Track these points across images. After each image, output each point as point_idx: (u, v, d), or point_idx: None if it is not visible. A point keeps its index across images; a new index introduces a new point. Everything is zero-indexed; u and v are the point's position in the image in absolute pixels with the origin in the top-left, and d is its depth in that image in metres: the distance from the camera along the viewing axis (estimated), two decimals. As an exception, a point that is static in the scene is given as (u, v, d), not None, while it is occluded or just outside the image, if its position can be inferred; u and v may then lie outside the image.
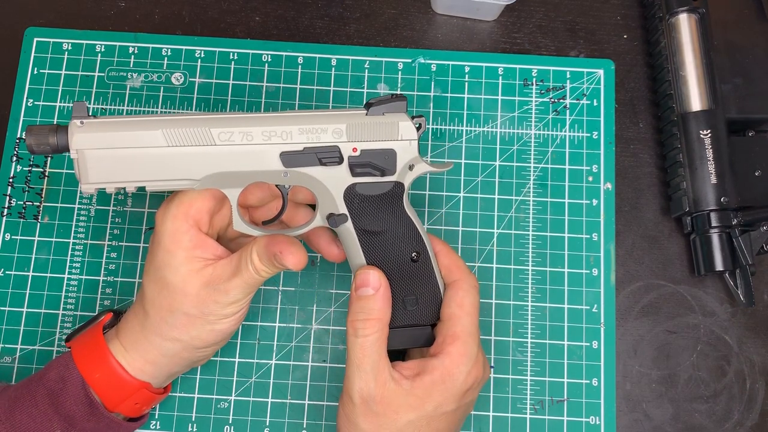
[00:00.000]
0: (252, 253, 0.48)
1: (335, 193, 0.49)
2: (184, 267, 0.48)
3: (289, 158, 0.48)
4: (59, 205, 0.62)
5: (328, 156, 0.48)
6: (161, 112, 0.64)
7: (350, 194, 0.49)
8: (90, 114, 0.47)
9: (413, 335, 0.50)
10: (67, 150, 0.46)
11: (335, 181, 0.48)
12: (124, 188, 0.47)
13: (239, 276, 0.48)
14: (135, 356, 0.50)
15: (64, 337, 0.59)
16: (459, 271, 0.51)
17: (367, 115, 0.48)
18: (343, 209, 0.49)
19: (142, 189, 0.48)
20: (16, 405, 0.49)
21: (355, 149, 0.48)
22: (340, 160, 0.48)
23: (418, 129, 0.49)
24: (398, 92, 0.49)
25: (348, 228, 0.49)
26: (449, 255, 0.51)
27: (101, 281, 0.61)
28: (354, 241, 0.49)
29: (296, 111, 0.49)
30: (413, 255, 0.50)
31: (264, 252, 0.48)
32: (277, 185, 0.50)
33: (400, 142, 0.48)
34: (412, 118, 0.49)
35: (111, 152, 0.46)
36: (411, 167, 0.49)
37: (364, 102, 0.64)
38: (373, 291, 0.48)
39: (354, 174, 0.48)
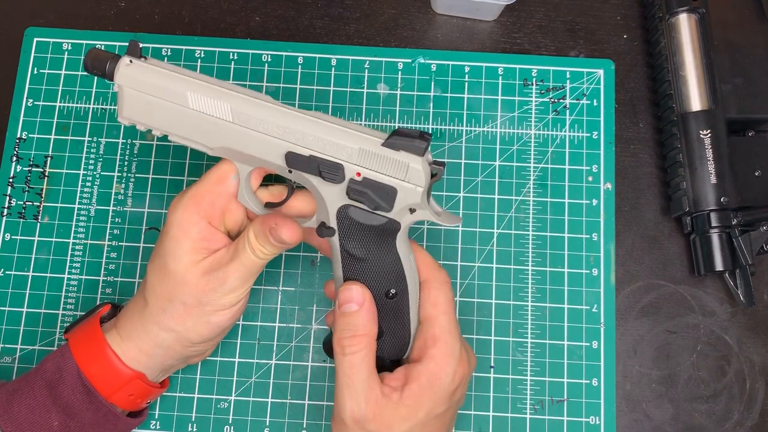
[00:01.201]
0: (249, 232, 0.49)
1: (330, 207, 0.48)
2: (188, 257, 0.49)
3: (293, 159, 0.48)
4: (59, 205, 0.62)
5: (329, 172, 0.47)
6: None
7: (342, 214, 0.48)
8: (142, 55, 0.49)
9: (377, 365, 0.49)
10: (113, 80, 0.49)
11: (331, 196, 0.48)
12: (151, 130, 0.50)
13: (237, 260, 0.49)
14: (130, 346, 0.50)
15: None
16: (427, 270, 0.50)
17: (382, 144, 0.47)
18: (333, 224, 0.48)
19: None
20: (14, 397, 0.49)
21: (358, 174, 0.47)
22: (341, 180, 0.47)
23: (433, 176, 0.47)
24: (427, 132, 0.47)
25: (334, 243, 0.48)
26: (417, 255, 0.50)
27: (101, 281, 0.61)
28: (337, 257, 0.49)
29: (325, 116, 0.48)
30: (390, 291, 0.48)
31: (260, 228, 0.48)
32: (284, 177, 0.50)
33: (405, 184, 0.47)
34: (433, 162, 0.48)
35: (145, 96, 0.48)
36: (412, 211, 0.47)
37: (364, 104, 0.65)
38: (357, 306, 0.47)
39: (349, 197, 0.47)
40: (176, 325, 0.49)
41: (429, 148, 0.47)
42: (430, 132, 0.48)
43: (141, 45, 0.50)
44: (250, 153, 0.48)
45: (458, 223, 0.50)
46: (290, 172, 0.48)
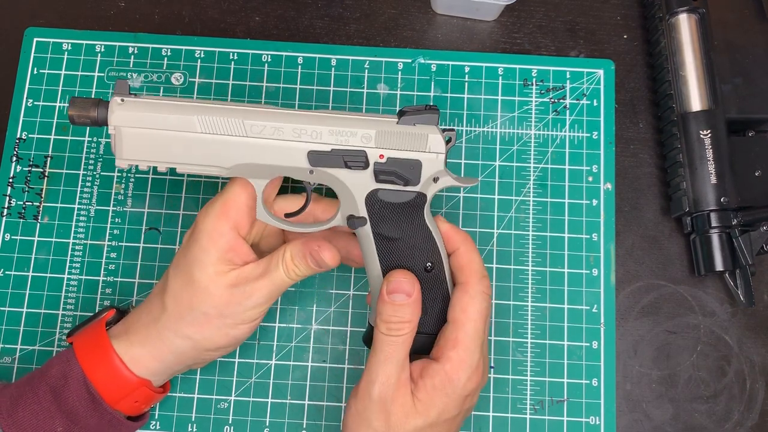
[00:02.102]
0: (285, 253, 0.50)
1: (357, 196, 0.49)
2: (213, 267, 0.49)
3: (317, 158, 0.49)
4: (59, 205, 0.62)
5: (354, 160, 0.49)
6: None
7: (371, 199, 0.49)
8: (130, 92, 0.48)
9: (418, 341, 0.50)
10: (106, 125, 0.48)
11: (358, 184, 0.49)
12: (156, 166, 0.49)
13: (267, 277, 0.49)
14: (143, 352, 0.50)
15: (65, 335, 0.59)
16: (470, 274, 0.50)
17: (398, 123, 0.49)
18: (363, 212, 0.49)
19: (172, 170, 0.49)
20: (19, 402, 0.49)
21: (381, 156, 0.49)
22: (366, 165, 0.49)
23: (447, 142, 0.49)
24: (431, 104, 0.49)
25: (366, 231, 0.50)
26: (467, 255, 0.50)
27: (101, 281, 0.61)
28: (371, 245, 0.50)
29: (329, 111, 0.50)
30: (427, 265, 0.50)
31: (299, 250, 0.49)
32: (302, 180, 0.51)
33: (427, 154, 0.49)
34: (443, 130, 0.50)
35: (147, 132, 0.48)
36: (435, 180, 0.49)
37: (364, 104, 0.65)
38: (407, 297, 0.48)
39: (378, 180, 0.49)
40: (194, 333, 0.50)
41: None
42: (435, 106, 0.49)
43: (129, 83, 0.49)
44: (271, 163, 0.49)
45: (475, 183, 0.52)
46: (311, 173, 0.49)
